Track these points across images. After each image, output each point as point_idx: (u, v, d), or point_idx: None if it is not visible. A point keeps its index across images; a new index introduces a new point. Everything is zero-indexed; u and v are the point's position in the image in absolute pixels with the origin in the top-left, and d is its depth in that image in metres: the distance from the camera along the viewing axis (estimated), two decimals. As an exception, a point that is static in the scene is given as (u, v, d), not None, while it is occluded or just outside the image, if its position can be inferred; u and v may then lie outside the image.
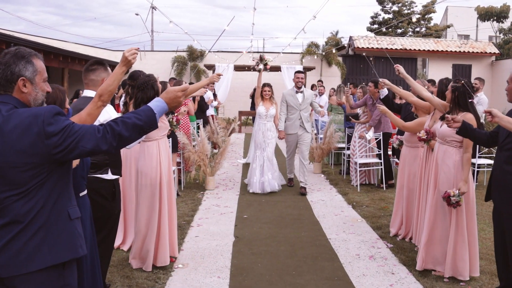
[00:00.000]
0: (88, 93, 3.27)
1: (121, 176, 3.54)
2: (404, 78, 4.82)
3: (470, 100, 3.93)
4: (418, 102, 4.91)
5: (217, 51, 18.65)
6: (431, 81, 7.50)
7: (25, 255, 1.93)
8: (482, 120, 5.58)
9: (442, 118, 3.64)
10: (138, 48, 2.64)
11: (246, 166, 9.57)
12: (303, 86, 7.51)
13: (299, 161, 7.62)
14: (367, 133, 7.94)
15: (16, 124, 1.93)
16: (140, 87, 4.16)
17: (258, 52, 18.39)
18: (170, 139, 6.53)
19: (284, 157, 10.58)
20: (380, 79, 5.46)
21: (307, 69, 18.05)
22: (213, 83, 12.24)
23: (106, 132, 1.99)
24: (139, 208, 4.21)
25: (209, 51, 11.43)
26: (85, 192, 2.90)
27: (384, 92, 6.18)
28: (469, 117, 3.83)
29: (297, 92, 7.46)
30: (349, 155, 8.54)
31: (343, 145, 9.23)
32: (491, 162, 7.67)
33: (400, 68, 4.87)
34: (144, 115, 2.06)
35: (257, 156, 7.57)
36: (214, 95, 12.38)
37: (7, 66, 2.04)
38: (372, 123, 7.82)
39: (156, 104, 2.13)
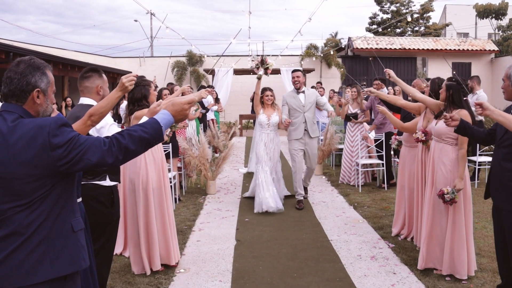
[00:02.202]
0: (83, 100, 3.29)
1: (119, 182, 3.55)
2: (395, 82, 4.84)
3: (464, 98, 3.94)
4: (406, 104, 4.99)
5: (216, 55, 18.70)
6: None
7: (27, 267, 1.90)
8: (478, 118, 5.57)
9: (438, 116, 3.64)
10: (137, 75, 2.70)
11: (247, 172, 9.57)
12: (303, 86, 6.73)
13: (305, 170, 6.98)
14: (369, 133, 7.94)
15: (21, 135, 1.88)
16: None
17: (257, 55, 18.37)
18: (170, 144, 6.54)
19: (287, 160, 10.60)
20: (366, 89, 5.52)
21: (306, 71, 18.09)
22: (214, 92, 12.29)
23: (112, 145, 1.94)
24: (128, 214, 4.32)
25: (215, 58, 11.38)
26: (79, 200, 2.90)
27: (384, 91, 6.20)
28: (463, 114, 3.85)
29: (298, 93, 6.76)
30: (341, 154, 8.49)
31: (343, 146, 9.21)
32: (492, 159, 7.63)
33: (390, 72, 4.90)
34: (150, 128, 2.01)
35: (259, 171, 6.65)
36: (217, 99, 12.40)
37: (23, 76, 2.00)
38: (377, 121, 7.83)
39: (162, 117, 2.07)
